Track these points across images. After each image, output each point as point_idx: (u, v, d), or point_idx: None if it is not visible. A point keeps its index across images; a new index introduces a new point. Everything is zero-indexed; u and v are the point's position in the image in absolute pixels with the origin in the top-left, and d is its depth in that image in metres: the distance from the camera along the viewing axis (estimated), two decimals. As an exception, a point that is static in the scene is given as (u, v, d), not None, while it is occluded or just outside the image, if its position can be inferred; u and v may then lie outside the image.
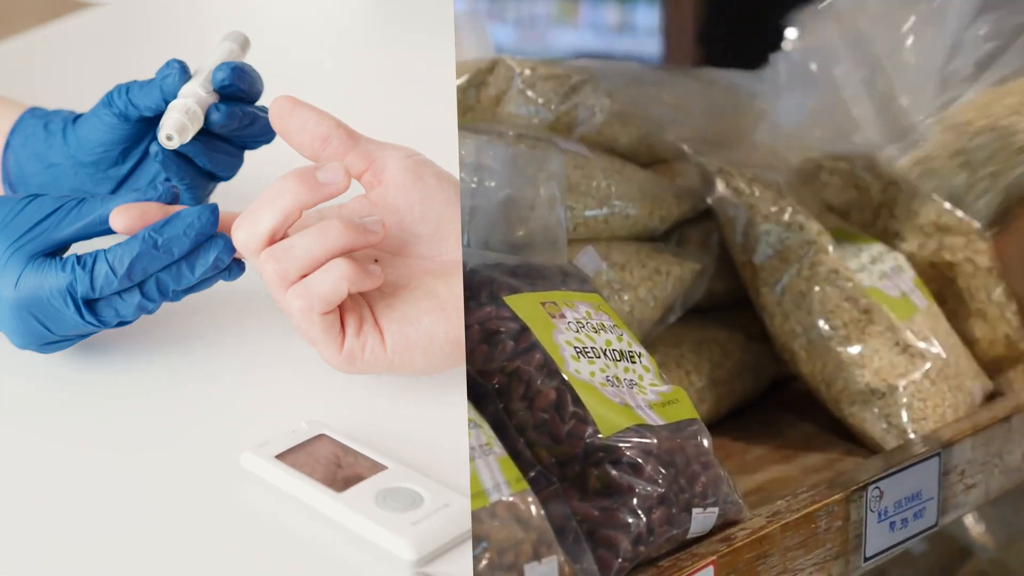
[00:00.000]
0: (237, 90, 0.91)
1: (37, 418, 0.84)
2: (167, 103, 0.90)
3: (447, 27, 1.40)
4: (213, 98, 0.90)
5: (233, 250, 0.81)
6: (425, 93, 1.25)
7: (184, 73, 0.90)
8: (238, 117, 0.90)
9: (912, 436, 0.94)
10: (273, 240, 0.78)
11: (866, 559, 0.87)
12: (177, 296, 0.82)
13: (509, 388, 0.75)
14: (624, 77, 1.01)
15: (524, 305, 0.78)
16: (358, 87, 1.31)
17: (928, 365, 0.97)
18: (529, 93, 0.97)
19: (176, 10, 1.47)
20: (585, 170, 0.93)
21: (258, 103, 0.93)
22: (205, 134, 0.91)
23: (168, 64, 0.90)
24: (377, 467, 0.76)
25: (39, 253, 0.80)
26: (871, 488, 0.86)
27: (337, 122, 0.81)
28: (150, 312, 0.83)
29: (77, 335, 0.84)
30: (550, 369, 0.76)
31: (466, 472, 0.68)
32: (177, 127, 0.88)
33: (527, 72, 0.97)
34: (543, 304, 0.79)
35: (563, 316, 0.79)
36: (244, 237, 0.78)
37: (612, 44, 4.15)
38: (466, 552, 0.72)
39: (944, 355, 0.98)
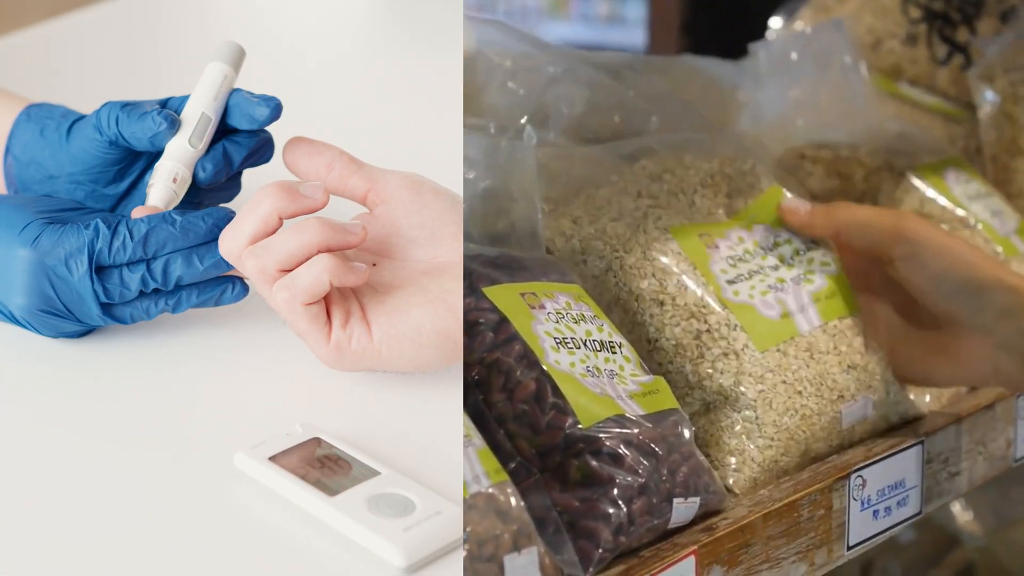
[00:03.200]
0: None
1: (31, 415, 0.84)
2: (154, 145, 0.88)
3: (454, 26, 1.40)
4: (203, 148, 0.88)
5: None
6: (431, 92, 1.26)
7: (172, 127, 0.87)
8: (225, 172, 0.89)
9: (894, 423, 0.94)
10: (255, 243, 0.82)
11: (849, 548, 0.87)
12: (179, 307, 0.86)
13: (488, 379, 0.75)
14: (604, 67, 1.00)
15: (503, 296, 0.78)
16: (364, 86, 1.32)
17: (910, 353, 0.96)
18: (509, 84, 0.97)
19: (186, 5, 1.46)
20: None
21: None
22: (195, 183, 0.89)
23: (154, 120, 0.87)
24: (370, 472, 0.76)
25: (58, 224, 0.84)
26: (854, 476, 0.86)
27: (340, 151, 0.86)
28: (150, 316, 0.86)
29: (74, 317, 0.85)
30: (529, 360, 0.76)
31: (458, 477, 0.68)
32: (164, 200, 0.87)
33: (507, 64, 0.97)
34: (522, 295, 0.79)
35: (543, 307, 0.79)
36: (228, 245, 0.83)
37: (603, 36, 4.15)
38: (456, 560, 0.72)
39: (927, 343, 0.98)
